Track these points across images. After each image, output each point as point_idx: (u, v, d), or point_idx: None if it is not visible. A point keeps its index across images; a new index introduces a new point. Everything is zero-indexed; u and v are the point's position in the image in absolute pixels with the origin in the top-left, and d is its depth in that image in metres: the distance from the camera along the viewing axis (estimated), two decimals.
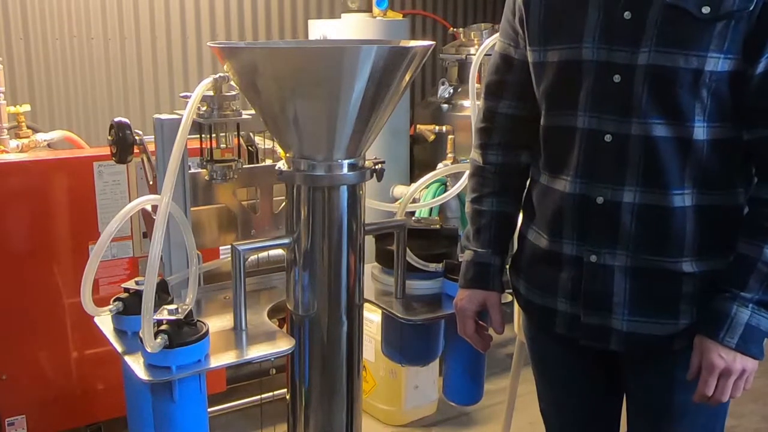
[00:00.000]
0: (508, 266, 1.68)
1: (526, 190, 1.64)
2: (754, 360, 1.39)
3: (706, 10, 1.32)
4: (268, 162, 1.99)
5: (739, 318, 1.37)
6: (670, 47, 1.35)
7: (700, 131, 1.37)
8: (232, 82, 1.65)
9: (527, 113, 1.56)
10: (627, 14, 1.37)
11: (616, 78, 1.39)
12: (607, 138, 1.41)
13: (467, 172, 1.71)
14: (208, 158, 1.75)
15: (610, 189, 1.42)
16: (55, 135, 3.19)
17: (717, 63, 1.34)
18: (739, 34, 1.32)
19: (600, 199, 1.43)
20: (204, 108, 1.68)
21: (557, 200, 1.49)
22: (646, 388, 1.55)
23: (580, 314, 1.49)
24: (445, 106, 4.39)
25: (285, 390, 1.73)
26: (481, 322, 1.65)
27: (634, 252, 1.43)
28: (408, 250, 1.78)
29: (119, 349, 1.52)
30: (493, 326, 1.65)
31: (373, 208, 1.85)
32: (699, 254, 1.43)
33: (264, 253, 1.95)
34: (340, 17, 4.20)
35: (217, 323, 1.61)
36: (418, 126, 4.44)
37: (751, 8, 1.31)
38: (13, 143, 2.95)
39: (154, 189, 1.76)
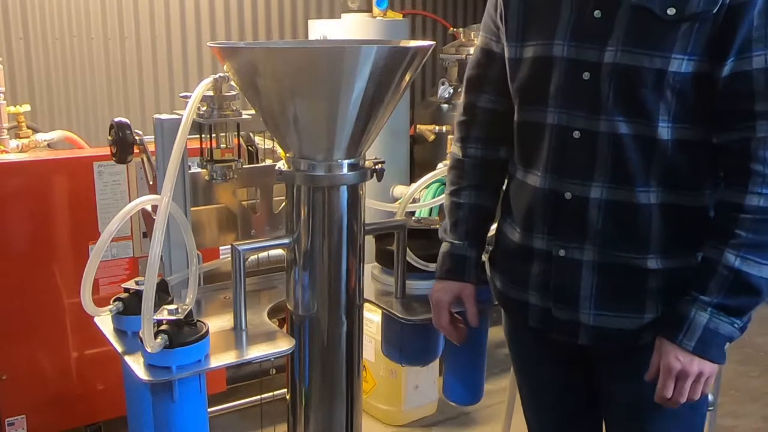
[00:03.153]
0: (486, 260, 1.70)
1: (505, 185, 1.66)
2: (713, 363, 1.39)
3: (671, 11, 1.33)
4: (268, 162, 1.99)
5: (698, 321, 1.38)
6: (636, 47, 1.37)
7: (664, 131, 1.38)
8: (232, 82, 1.65)
9: (507, 108, 1.57)
10: (597, 13, 1.39)
11: (586, 75, 1.41)
12: (576, 134, 1.44)
13: (447, 165, 1.73)
14: (208, 158, 1.75)
15: (578, 185, 1.44)
16: (55, 135, 3.19)
17: (681, 64, 1.35)
18: (704, 36, 1.34)
19: (568, 195, 1.45)
20: (204, 108, 1.68)
21: (529, 195, 1.52)
22: (616, 384, 1.56)
23: (551, 308, 1.51)
24: (445, 106, 4.38)
25: (285, 390, 1.73)
26: (456, 315, 1.67)
27: (601, 247, 1.45)
28: (408, 250, 1.78)
29: (119, 349, 1.52)
30: (468, 318, 1.67)
31: (373, 208, 1.85)
32: (664, 251, 1.44)
33: (264, 253, 1.95)
34: (340, 17, 4.20)
35: (217, 323, 1.61)
36: (418, 126, 4.44)
37: (714, 11, 1.32)
38: (13, 143, 2.95)
39: (154, 189, 1.76)
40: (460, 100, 1.70)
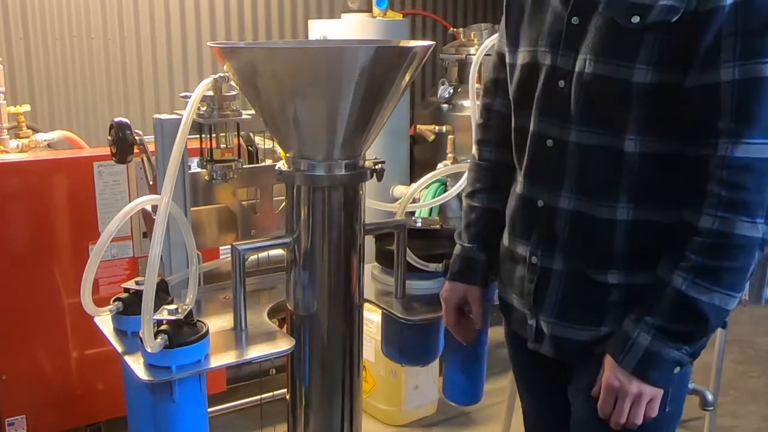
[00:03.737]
0: None
1: None
2: (654, 387, 1.35)
3: (635, 19, 1.30)
4: (268, 162, 1.99)
5: (639, 342, 1.34)
6: (603, 56, 1.34)
7: (631, 144, 1.34)
8: (232, 82, 1.65)
9: None
10: (575, 19, 1.37)
11: (561, 83, 1.40)
12: (549, 143, 1.43)
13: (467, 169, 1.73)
14: (208, 158, 1.75)
15: (548, 193, 1.44)
16: (55, 135, 3.19)
17: (645, 74, 1.30)
18: (668, 45, 1.29)
19: (540, 202, 1.45)
20: (204, 108, 1.68)
21: (514, 200, 1.54)
22: (575, 398, 1.54)
23: (526, 314, 1.51)
24: (445, 106, 4.39)
25: (285, 390, 1.72)
26: (469, 316, 1.67)
27: (566, 257, 1.43)
28: (408, 250, 1.78)
29: (119, 349, 1.52)
30: (473, 320, 1.67)
31: (373, 208, 1.85)
32: (628, 267, 1.40)
33: (264, 253, 1.95)
34: (340, 17, 4.20)
35: (217, 323, 1.61)
36: (418, 126, 4.44)
37: (674, 19, 1.27)
38: (13, 143, 2.95)
39: (154, 189, 1.76)
40: (478, 102, 1.70)
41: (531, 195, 1.47)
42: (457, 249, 1.67)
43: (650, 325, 1.34)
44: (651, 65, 1.30)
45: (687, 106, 1.30)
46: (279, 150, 1.72)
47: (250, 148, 2.04)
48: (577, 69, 1.36)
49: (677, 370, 1.35)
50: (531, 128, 1.46)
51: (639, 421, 1.37)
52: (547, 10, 1.43)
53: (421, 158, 4.49)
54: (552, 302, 1.46)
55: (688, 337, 1.33)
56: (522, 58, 1.48)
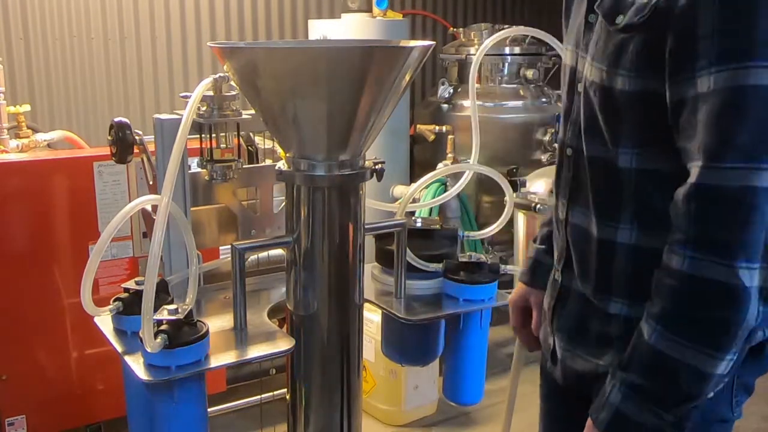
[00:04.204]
0: None
1: None
2: None
3: (619, 19, 1.19)
4: (268, 162, 1.99)
5: (612, 398, 1.18)
6: (596, 60, 1.24)
7: (626, 158, 1.22)
8: (232, 82, 1.65)
9: None
10: (592, 17, 1.28)
11: (579, 87, 1.31)
12: (568, 152, 1.35)
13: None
14: (208, 158, 1.74)
15: (564, 206, 1.37)
16: (55, 135, 3.20)
17: (627, 82, 1.18)
18: (646, 50, 1.16)
19: (560, 214, 1.39)
20: (204, 108, 1.68)
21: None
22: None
23: (548, 332, 1.46)
24: (445, 106, 4.39)
25: (285, 390, 1.72)
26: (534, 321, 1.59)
27: (578, 277, 1.33)
28: (408, 250, 1.78)
29: (119, 349, 1.52)
30: (532, 324, 1.60)
31: (373, 208, 1.85)
32: (629, 298, 1.25)
33: (264, 253, 1.95)
34: (340, 17, 4.20)
35: (217, 323, 1.61)
36: (418, 126, 4.45)
37: (642, 18, 1.15)
38: (13, 143, 2.96)
39: (154, 189, 1.76)
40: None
41: (555, 206, 1.42)
42: (530, 250, 1.64)
43: (622, 380, 1.18)
44: (632, 72, 1.18)
45: (670, 120, 1.16)
46: (279, 150, 1.72)
47: (250, 148, 2.04)
48: (584, 73, 1.28)
49: None
50: (560, 136, 1.40)
51: None
52: (576, 8, 1.34)
53: (421, 158, 4.50)
54: (566, 324, 1.37)
55: (661, 400, 1.14)
56: (564, 57, 1.40)
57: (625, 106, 1.20)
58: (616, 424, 1.17)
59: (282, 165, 1.58)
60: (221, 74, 1.64)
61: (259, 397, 2.58)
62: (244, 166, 1.82)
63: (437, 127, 4.29)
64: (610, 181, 1.25)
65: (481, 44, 2.16)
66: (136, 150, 1.73)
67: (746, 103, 1.06)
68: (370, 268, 1.89)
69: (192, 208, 1.77)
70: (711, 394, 1.17)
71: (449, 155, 4.07)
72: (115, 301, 1.58)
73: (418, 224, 1.92)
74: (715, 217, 1.09)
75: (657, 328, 1.13)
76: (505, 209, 1.92)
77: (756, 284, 1.08)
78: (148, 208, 1.73)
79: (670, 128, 1.16)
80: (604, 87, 1.22)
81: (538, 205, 2.59)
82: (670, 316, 1.13)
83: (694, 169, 1.10)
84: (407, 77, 1.49)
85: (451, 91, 4.38)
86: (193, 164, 1.78)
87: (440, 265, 1.81)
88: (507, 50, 4.39)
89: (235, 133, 1.78)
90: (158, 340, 1.37)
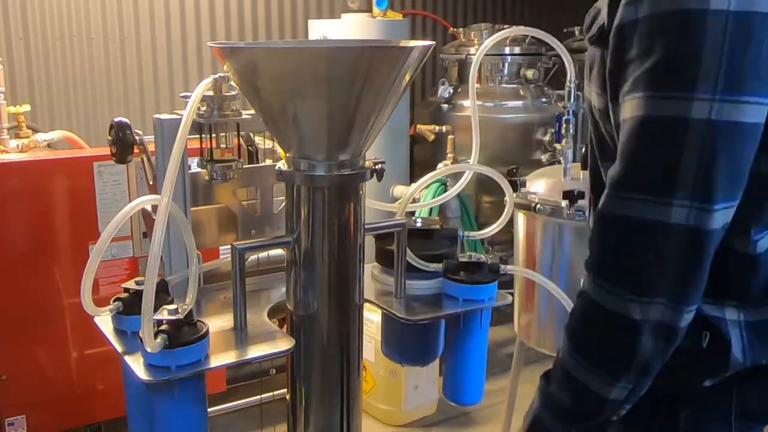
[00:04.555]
0: None
1: None
2: None
3: (592, 33, 1.21)
4: (268, 162, 1.99)
5: (533, 403, 1.22)
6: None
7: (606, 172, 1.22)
8: (232, 82, 1.65)
9: None
10: None
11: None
12: (589, 161, 1.38)
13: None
14: (208, 158, 1.74)
15: (590, 215, 1.38)
16: (55, 135, 3.20)
17: (598, 99, 1.20)
18: (601, 68, 1.16)
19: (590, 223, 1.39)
20: (204, 108, 1.68)
21: None
22: None
23: None
24: (445, 106, 4.40)
25: (285, 390, 1.72)
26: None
27: None
28: (408, 250, 1.78)
29: (119, 349, 1.52)
30: None
31: (373, 208, 1.85)
32: None
33: (264, 253, 1.95)
34: (340, 17, 4.21)
35: (217, 323, 1.61)
36: (418, 126, 4.45)
37: (594, 37, 1.17)
38: (13, 143, 2.96)
39: (154, 189, 1.76)
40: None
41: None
42: None
43: (541, 388, 1.21)
44: (599, 89, 1.20)
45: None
46: (279, 150, 1.72)
47: (250, 148, 2.04)
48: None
49: None
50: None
51: None
52: None
53: (421, 158, 4.50)
54: None
55: (568, 414, 1.18)
56: None
57: (603, 125, 1.23)
58: (532, 427, 1.22)
59: (282, 165, 1.58)
60: (221, 74, 1.64)
61: (259, 397, 2.58)
62: (244, 166, 1.82)
63: (437, 127, 4.30)
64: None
65: (481, 44, 2.16)
66: (136, 150, 1.73)
67: (647, 134, 1.06)
68: (370, 268, 1.89)
69: (192, 208, 1.77)
70: (615, 418, 1.17)
71: (449, 155, 4.07)
72: (115, 301, 1.57)
73: (418, 224, 1.92)
74: (612, 245, 1.11)
75: (566, 345, 1.16)
76: (505, 209, 1.92)
77: (652, 318, 1.07)
78: (148, 208, 1.73)
79: None
80: (591, 104, 1.26)
81: (538, 205, 2.59)
82: (574, 336, 1.16)
83: (606, 189, 1.11)
84: (407, 77, 1.49)
85: (451, 91, 4.38)
86: (193, 164, 1.78)
87: (440, 265, 1.81)
88: (507, 50, 4.39)
89: (235, 133, 1.78)
90: (158, 340, 1.37)
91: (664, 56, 1.03)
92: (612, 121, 1.17)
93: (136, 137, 1.71)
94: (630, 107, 1.07)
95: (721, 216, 1.04)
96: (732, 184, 1.05)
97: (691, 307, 1.08)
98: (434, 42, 1.58)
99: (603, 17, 1.16)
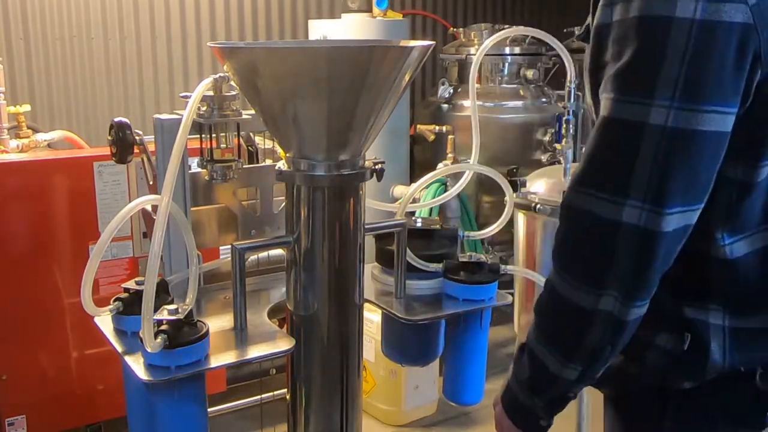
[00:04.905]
0: None
1: None
2: (516, 429, 1.29)
3: (582, 28, 1.28)
4: (268, 162, 1.99)
5: (509, 378, 1.30)
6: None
7: None
8: (232, 82, 1.65)
9: None
10: None
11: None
12: None
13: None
14: (208, 158, 1.74)
15: None
16: (55, 135, 3.20)
17: (589, 96, 1.26)
18: (587, 65, 1.22)
19: None
20: (204, 108, 1.68)
21: None
22: None
23: None
24: (445, 106, 4.39)
25: (285, 390, 1.72)
26: None
27: None
28: (408, 250, 1.78)
29: (119, 349, 1.52)
30: None
31: (373, 208, 1.85)
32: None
33: (264, 253, 1.95)
34: (340, 17, 4.21)
35: (217, 323, 1.61)
36: (418, 126, 4.45)
37: (582, 36, 1.24)
38: (13, 143, 2.96)
39: (154, 189, 1.76)
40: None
41: None
42: None
43: (514, 357, 1.29)
44: (589, 87, 1.25)
45: None
46: (279, 150, 1.72)
47: (250, 148, 2.04)
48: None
49: (543, 423, 1.26)
50: None
51: None
52: None
53: (421, 158, 4.50)
54: None
55: (531, 387, 1.25)
56: None
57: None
58: (509, 399, 1.30)
59: (282, 165, 1.58)
60: (221, 74, 1.64)
61: (259, 397, 2.58)
62: (244, 166, 1.82)
63: (437, 127, 4.29)
64: None
65: (481, 44, 2.16)
66: (136, 150, 1.73)
67: (607, 134, 1.10)
68: (370, 268, 1.89)
69: (192, 208, 1.77)
70: (572, 395, 1.23)
71: (449, 155, 4.07)
72: (115, 301, 1.57)
73: (418, 224, 1.92)
74: (568, 236, 1.16)
75: (532, 322, 1.24)
76: (505, 209, 1.92)
77: (601, 308, 1.11)
78: (148, 208, 1.73)
79: None
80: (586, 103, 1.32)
81: (538, 205, 2.59)
82: (537, 316, 1.24)
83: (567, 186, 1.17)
84: (407, 77, 1.49)
85: (451, 91, 4.38)
86: (193, 164, 1.78)
87: (440, 265, 1.81)
88: (507, 50, 4.39)
89: (235, 133, 1.78)
90: (158, 340, 1.37)
91: (630, 61, 1.07)
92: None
93: (136, 137, 1.71)
94: (602, 107, 1.11)
95: (676, 219, 1.07)
96: (688, 190, 1.07)
97: (641, 302, 1.12)
98: (434, 42, 1.58)
99: (588, 20, 1.21)
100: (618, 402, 1.38)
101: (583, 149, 1.15)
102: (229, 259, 1.56)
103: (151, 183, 1.79)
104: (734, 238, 1.17)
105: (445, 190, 3.49)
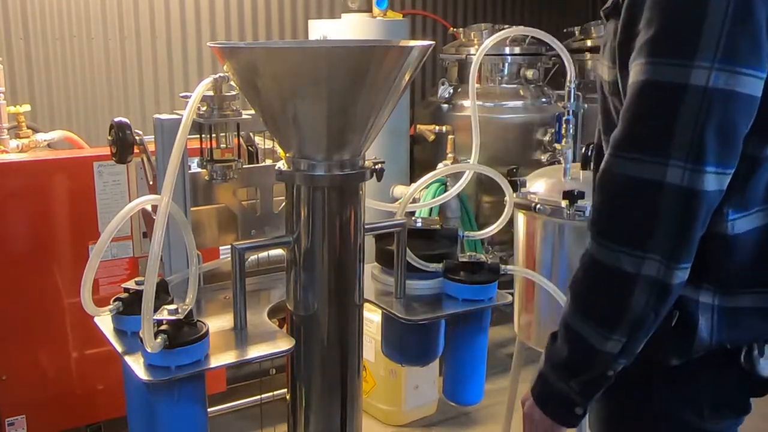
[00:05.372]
0: None
1: None
2: (548, 420, 1.26)
3: (608, 3, 1.29)
4: (268, 162, 1.99)
5: (541, 365, 1.28)
6: (604, 57, 1.33)
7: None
8: (232, 82, 1.65)
9: None
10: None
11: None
12: (597, 157, 1.44)
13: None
14: (208, 158, 1.74)
15: None
16: (55, 135, 3.20)
17: (608, 72, 1.27)
18: (614, 40, 1.23)
19: None
20: (204, 108, 1.68)
21: None
22: None
23: None
24: (445, 106, 4.39)
25: (285, 390, 1.72)
26: None
27: None
28: (408, 250, 1.78)
29: (119, 349, 1.52)
30: None
31: (373, 208, 1.85)
32: None
33: (264, 253, 1.95)
34: (340, 17, 4.20)
35: (217, 323, 1.61)
36: (418, 126, 4.45)
37: (608, 11, 1.25)
38: (13, 143, 2.96)
39: (154, 189, 1.76)
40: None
41: None
42: None
43: (547, 344, 1.27)
44: (610, 62, 1.27)
45: None
46: (279, 150, 1.72)
47: (250, 148, 2.04)
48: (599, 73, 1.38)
49: (579, 411, 1.24)
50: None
51: None
52: None
53: (421, 158, 4.49)
54: None
55: (566, 368, 1.23)
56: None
57: (608, 97, 1.29)
58: (542, 389, 1.27)
59: (282, 165, 1.58)
60: (221, 74, 1.64)
61: (259, 397, 2.58)
62: (244, 166, 1.82)
63: (437, 127, 4.29)
64: None
65: (481, 44, 2.16)
66: (136, 150, 1.73)
67: (647, 97, 1.11)
68: (370, 268, 1.89)
69: (192, 208, 1.77)
70: (611, 373, 1.21)
71: (449, 155, 4.07)
72: (115, 301, 1.58)
73: (418, 224, 1.92)
74: (609, 202, 1.15)
75: (568, 300, 1.22)
76: (505, 209, 1.92)
77: (644, 273, 1.11)
78: (148, 208, 1.73)
79: None
80: (601, 79, 1.30)
81: (538, 205, 2.59)
82: (574, 291, 1.21)
83: (607, 152, 1.16)
84: (407, 77, 1.49)
85: (451, 91, 4.37)
86: (193, 164, 1.78)
87: (440, 265, 1.81)
88: (507, 50, 4.39)
89: (235, 133, 1.78)
90: (158, 340, 1.37)
91: (667, 25, 1.09)
92: (621, 92, 1.21)
93: (136, 137, 1.71)
94: (634, 73, 1.12)
95: (714, 180, 1.09)
96: (724, 150, 1.09)
97: (684, 264, 1.13)
98: (434, 42, 1.58)
99: None
100: None
101: (621, 114, 1.15)
102: (229, 259, 1.56)
103: (151, 183, 1.79)
104: (738, 215, 1.20)
105: (445, 190, 3.49)
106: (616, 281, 1.14)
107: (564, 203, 2.47)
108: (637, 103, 1.12)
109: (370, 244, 1.75)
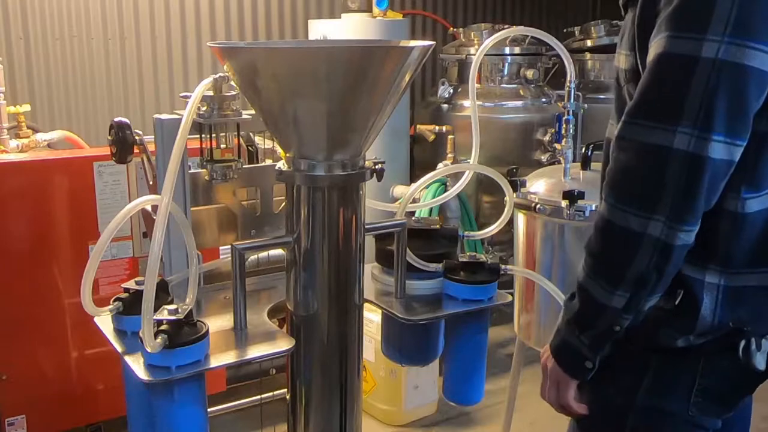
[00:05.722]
0: None
1: None
2: (563, 373, 1.35)
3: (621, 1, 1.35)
4: (268, 162, 1.99)
5: (559, 322, 1.35)
6: (621, 47, 1.37)
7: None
8: (232, 82, 1.65)
9: None
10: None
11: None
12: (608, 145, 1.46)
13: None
14: (208, 158, 1.74)
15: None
16: (55, 135, 3.20)
17: (626, 60, 1.33)
18: (631, 27, 1.29)
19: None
20: (204, 108, 1.68)
21: None
22: None
23: None
24: (445, 106, 4.39)
25: (285, 390, 1.73)
26: None
27: None
28: (408, 250, 1.78)
29: (119, 349, 1.52)
30: None
31: (373, 208, 1.85)
32: None
33: (264, 253, 1.95)
34: (340, 17, 4.20)
35: (217, 323, 1.61)
36: (418, 126, 4.44)
37: None
38: (13, 143, 2.96)
39: (154, 189, 1.76)
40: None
41: None
42: None
43: (564, 305, 1.35)
44: (627, 50, 1.31)
45: None
46: (279, 150, 1.72)
47: (250, 148, 2.04)
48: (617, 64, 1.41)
49: (588, 365, 1.32)
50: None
51: (562, 403, 1.38)
52: None
53: (421, 158, 4.49)
54: None
55: (577, 323, 1.31)
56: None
57: (624, 86, 1.33)
58: (557, 344, 1.36)
59: (282, 165, 1.58)
60: (221, 74, 1.64)
61: (259, 397, 2.58)
62: (244, 166, 1.82)
63: (437, 127, 4.29)
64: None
65: (481, 44, 2.16)
66: (136, 150, 1.73)
67: (661, 68, 1.17)
68: (370, 268, 1.89)
69: (192, 208, 1.77)
70: (618, 328, 1.27)
71: (449, 155, 4.06)
72: (115, 301, 1.58)
73: (419, 224, 1.92)
74: (621, 166, 1.22)
75: (583, 262, 1.29)
76: (505, 209, 1.92)
77: (650, 233, 1.18)
78: (148, 208, 1.73)
79: None
80: (618, 69, 1.35)
81: (538, 205, 2.59)
82: (588, 250, 1.28)
83: (622, 120, 1.22)
84: (407, 77, 1.49)
85: (451, 91, 4.37)
86: (193, 164, 1.78)
87: (440, 265, 1.81)
88: (507, 50, 4.39)
89: (235, 133, 1.78)
90: (158, 340, 1.37)
91: (684, 1, 1.14)
92: (640, 74, 1.25)
93: (136, 137, 1.71)
94: (653, 48, 1.19)
95: (722, 149, 1.15)
96: (732, 121, 1.14)
97: (688, 227, 1.18)
98: (434, 42, 1.58)
99: None
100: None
101: (637, 86, 1.21)
102: (229, 259, 1.56)
103: (151, 183, 1.79)
104: (751, 194, 1.24)
105: (445, 190, 3.49)
106: (623, 239, 1.21)
107: (564, 203, 2.47)
108: (653, 72, 1.18)
109: (370, 244, 1.75)
